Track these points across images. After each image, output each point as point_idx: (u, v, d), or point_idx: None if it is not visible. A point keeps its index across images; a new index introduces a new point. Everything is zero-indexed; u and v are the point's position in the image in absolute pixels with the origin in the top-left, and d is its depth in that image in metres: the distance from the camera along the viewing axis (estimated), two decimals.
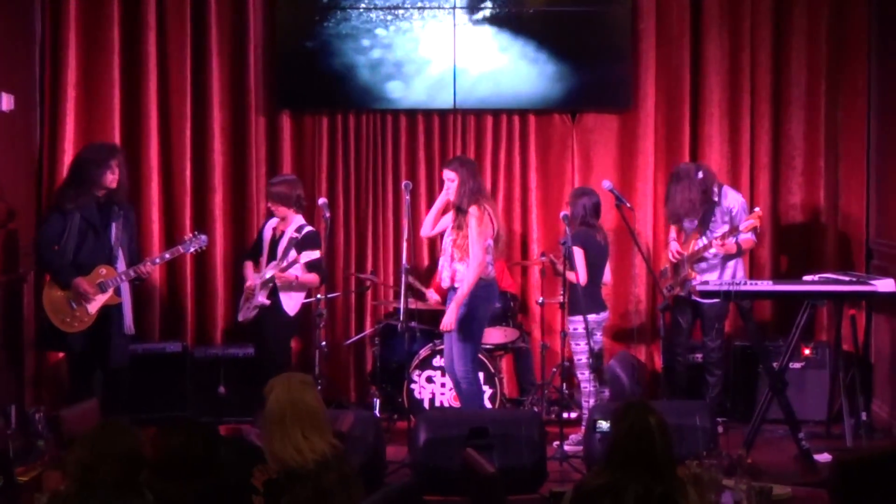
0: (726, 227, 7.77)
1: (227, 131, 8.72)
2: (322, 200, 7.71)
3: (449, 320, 7.20)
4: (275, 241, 7.64)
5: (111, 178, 7.30)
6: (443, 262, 7.38)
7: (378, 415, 7.91)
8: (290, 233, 7.55)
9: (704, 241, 7.85)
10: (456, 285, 7.26)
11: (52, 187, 8.33)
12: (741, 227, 7.61)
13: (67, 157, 8.32)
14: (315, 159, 8.82)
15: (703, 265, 7.88)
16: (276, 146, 8.78)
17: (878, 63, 8.54)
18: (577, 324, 7.45)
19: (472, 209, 7.15)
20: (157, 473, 3.96)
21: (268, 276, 7.47)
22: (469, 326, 7.22)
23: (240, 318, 7.76)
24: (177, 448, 4.04)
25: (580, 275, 7.42)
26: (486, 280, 7.24)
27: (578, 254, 7.48)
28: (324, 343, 7.82)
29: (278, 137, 8.78)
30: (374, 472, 6.29)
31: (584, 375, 7.53)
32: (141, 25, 8.54)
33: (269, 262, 7.60)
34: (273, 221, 7.77)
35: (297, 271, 7.45)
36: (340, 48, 8.66)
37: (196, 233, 7.67)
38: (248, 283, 7.69)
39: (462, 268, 7.19)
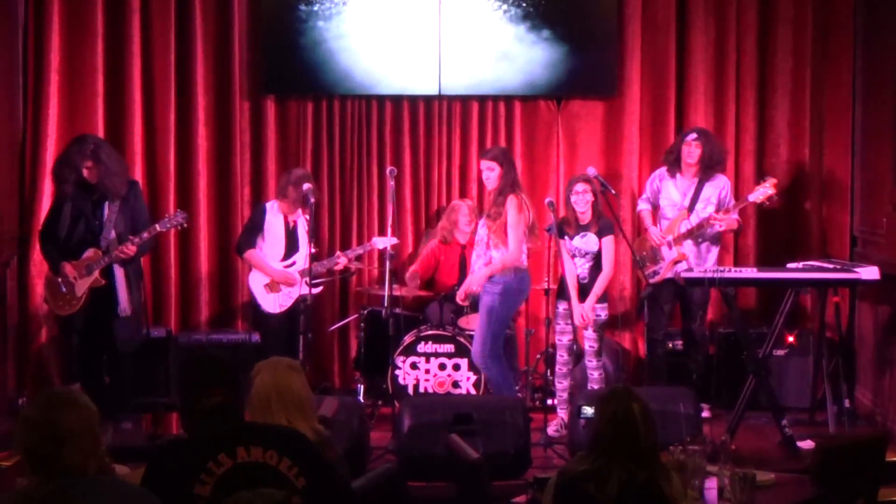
0: (711, 208, 7.78)
1: (212, 116, 8.68)
2: (307, 186, 7.69)
3: (473, 282, 7.33)
4: (290, 233, 7.92)
5: (88, 174, 7.22)
6: (477, 252, 7.45)
7: (362, 401, 7.91)
8: (302, 224, 7.84)
9: (689, 223, 7.86)
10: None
11: (35, 172, 8.32)
12: (757, 193, 7.72)
13: (51, 142, 8.30)
14: (300, 145, 8.79)
15: (692, 248, 7.87)
16: (260, 131, 8.74)
17: (864, 51, 8.54)
18: (601, 311, 7.54)
19: (511, 198, 7.25)
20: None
21: (339, 265, 8.03)
22: (496, 312, 7.30)
23: (276, 310, 7.93)
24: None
25: (607, 264, 7.53)
26: (520, 271, 7.32)
27: (609, 242, 7.58)
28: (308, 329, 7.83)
29: (263, 123, 8.74)
30: (358, 458, 6.28)
31: (592, 363, 7.56)
32: (125, 9, 8.48)
33: (290, 252, 7.92)
34: (275, 212, 7.94)
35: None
36: (326, 33, 8.62)
37: (177, 211, 7.66)
38: (278, 272, 7.88)
39: (497, 255, 7.27)
